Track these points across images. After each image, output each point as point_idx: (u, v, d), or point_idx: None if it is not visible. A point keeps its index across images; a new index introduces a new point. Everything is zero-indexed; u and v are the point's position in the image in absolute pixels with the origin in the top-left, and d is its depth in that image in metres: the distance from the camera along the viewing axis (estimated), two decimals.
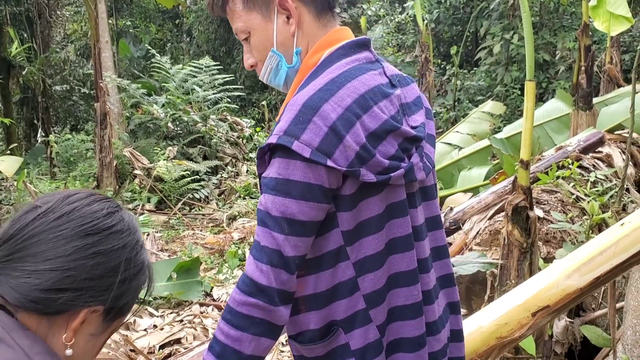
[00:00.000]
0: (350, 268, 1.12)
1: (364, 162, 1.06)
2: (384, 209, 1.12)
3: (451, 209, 3.85)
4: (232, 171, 8.81)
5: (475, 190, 5.37)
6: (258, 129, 10.33)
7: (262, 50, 1.23)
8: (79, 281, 0.91)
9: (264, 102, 12.50)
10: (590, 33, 5.50)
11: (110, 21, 11.99)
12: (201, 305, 4.26)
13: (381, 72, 1.19)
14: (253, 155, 9.25)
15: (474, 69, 11.68)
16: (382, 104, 1.12)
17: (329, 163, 1.03)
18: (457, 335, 1.33)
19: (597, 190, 3.65)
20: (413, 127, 1.18)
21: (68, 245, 0.91)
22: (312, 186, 1.05)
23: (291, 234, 1.06)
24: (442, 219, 3.71)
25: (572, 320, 2.84)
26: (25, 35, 12.76)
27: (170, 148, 8.44)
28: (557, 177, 3.70)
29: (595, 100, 5.65)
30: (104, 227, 0.95)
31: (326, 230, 1.11)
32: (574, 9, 10.06)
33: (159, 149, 8.47)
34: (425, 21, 8.96)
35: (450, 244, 3.73)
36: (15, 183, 6.87)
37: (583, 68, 5.39)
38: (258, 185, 1.13)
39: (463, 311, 3.20)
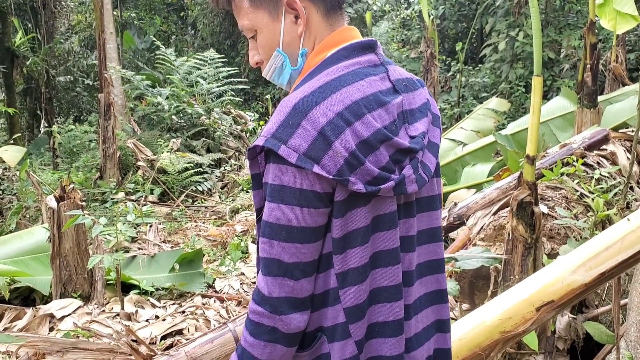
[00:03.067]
0: (333, 277, 1.09)
1: (353, 170, 1.03)
2: (370, 221, 1.09)
3: (455, 204, 3.84)
4: (235, 164, 8.81)
5: (478, 187, 5.37)
6: (262, 122, 10.31)
7: (267, 50, 1.21)
8: None
9: (267, 96, 12.49)
10: (596, 31, 5.47)
11: (114, 13, 11.97)
12: (203, 296, 4.27)
13: (383, 76, 1.15)
14: None
15: (479, 65, 11.66)
16: (376, 113, 1.08)
17: (316, 169, 1.01)
18: (444, 355, 1.28)
19: (602, 188, 3.64)
20: (412, 137, 1.14)
21: None
22: (306, 192, 1.02)
23: (290, 240, 1.04)
24: (447, 214, 3.74)
25: (575, 317, 2.84)
26: (30, 25, 12.77)
27: (173, 140, 8.44)
28: (562, 174, 3.69)
29: (600, 98, 5.63)
30: None
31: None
32: (579, 7, 10.03)
33: (162, 140, 8.47)
34: (431, 17, 8.92)
35: (454, 239, 3.74)
36: (18, 173, 6.88)
37: (588, 66, 5.36)
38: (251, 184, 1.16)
39: (466, 306, 3.21)
